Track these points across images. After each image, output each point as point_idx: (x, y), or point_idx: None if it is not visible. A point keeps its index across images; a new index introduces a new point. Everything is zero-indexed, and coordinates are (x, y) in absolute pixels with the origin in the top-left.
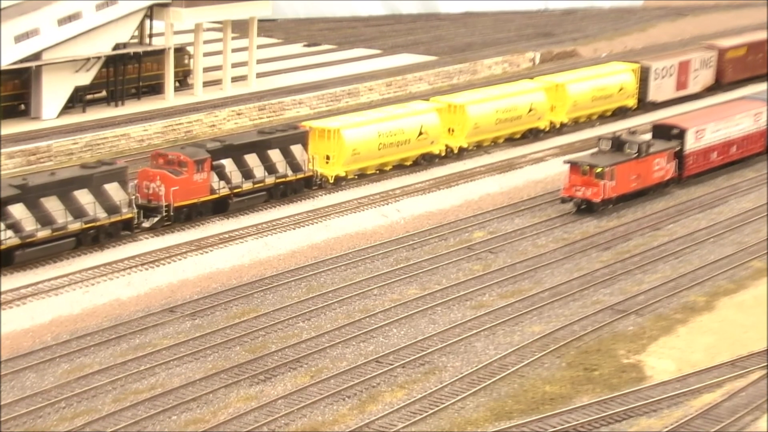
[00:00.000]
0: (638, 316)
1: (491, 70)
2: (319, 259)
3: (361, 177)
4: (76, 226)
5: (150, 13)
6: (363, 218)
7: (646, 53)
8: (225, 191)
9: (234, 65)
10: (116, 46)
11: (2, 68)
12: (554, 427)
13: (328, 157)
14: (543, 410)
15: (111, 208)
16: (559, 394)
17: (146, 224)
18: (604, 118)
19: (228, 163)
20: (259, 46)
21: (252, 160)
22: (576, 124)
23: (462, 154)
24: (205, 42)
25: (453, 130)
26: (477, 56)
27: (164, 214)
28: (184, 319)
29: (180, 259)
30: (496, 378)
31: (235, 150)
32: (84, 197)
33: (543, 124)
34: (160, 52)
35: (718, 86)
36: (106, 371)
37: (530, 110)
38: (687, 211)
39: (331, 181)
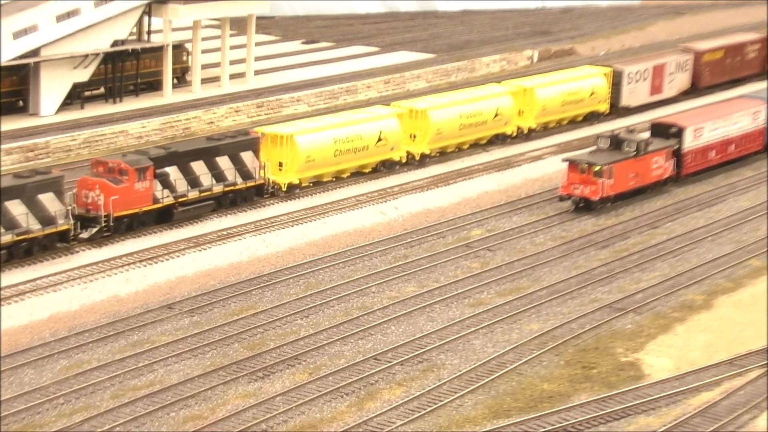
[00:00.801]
0: (636, 314)
1: (489, 68)
2: (318, 257)
3: (317, 185)
4: (7, 238)
5: (148, 9)
6: (361, 216)
7: (644, 51)
8: (169, 200)
9: (232, 62)
10: (114, 43)
11: (1, 65)
12: (552, 425)
13: (281, 164)
14: (541, 408)
15: (46, 220)
16: (557, 392)
17: (84, 235)
18: (575, 123)
19: (173, 171)
20: (257, 44)
21: (199, 167)
22: (545, 130)
23: (424, 161)
24: (203, 39)
25: (415, 136)
26: (475, 54)
27: (103, 224)
28: (182, 316)
29: (178, 256)
30: (495, 376)
31: (181, 157)
32: (16, 208)
33: (510, 130)
34: (159, 49)
35: (694, 90)
36: (105, 368)
37: (496, 115)
38: (685, 209)
39: (284, 189)
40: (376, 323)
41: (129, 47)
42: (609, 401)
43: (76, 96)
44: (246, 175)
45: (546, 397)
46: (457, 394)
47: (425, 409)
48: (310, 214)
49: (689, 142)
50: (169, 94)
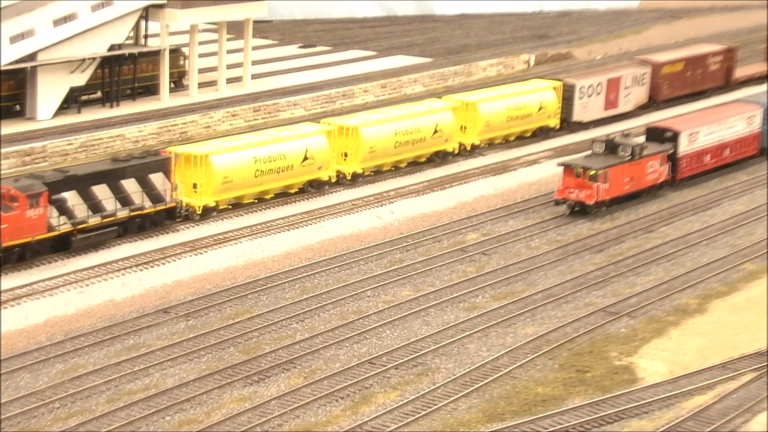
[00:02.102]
0: (630, 318)
1: (486, 72)
2: (313, 261)
3: (237, 206)
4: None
5: (145, 14)
6: (357, 220)
7: (640, 54)
8: (66, 228)
9: (229, 66)
10: (111, 47)
11: None
12: (546, 429)
13: (195, 186)
14: (535, 412)
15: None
16: (551, 396)
17: None
18: (523, 138)
19: (71, 196)
20: (255, 48)
21: (101, 191)
22: (490, 146)
23: (357, 180)
24: (201, 43)
25: (347, 155)
26: (472, 58)
27: None
28: (178, 320)
29: (174, 260)
30: (489, 379)
31: (80, 181)
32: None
33: (451, 147)
34: (156, 53)
35: (653, 104)
36: (101, 372)
37: (436, 132)
38: (680, 213)
39: (199, 212)
40: (372, 327)
41: (126, 51)
42: (602, 405)
43: (73, 100)
44: (156, 198)
45: (540, 401)
46: (452, 398)
47: (420, 413)
48: (306, 218)
49: (684, 147)
50: (166, 99)
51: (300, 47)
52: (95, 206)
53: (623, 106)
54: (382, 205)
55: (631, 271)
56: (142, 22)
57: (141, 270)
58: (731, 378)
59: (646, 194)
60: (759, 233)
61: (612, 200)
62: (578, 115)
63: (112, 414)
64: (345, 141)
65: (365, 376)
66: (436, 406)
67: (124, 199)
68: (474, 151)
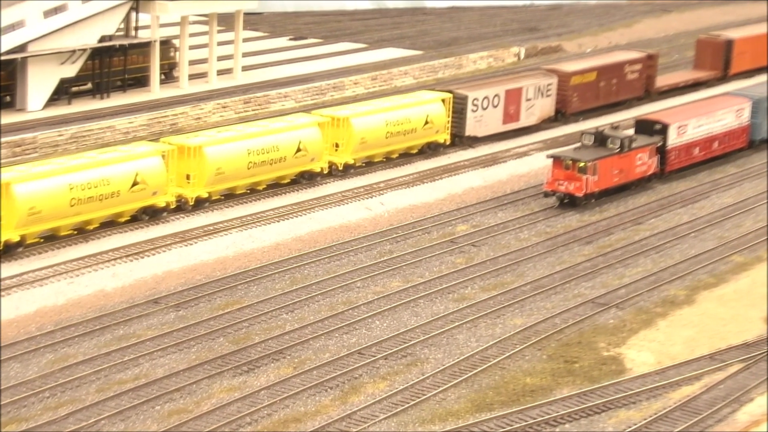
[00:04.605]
0: (619, 309)
1: (476, 65)
2: (303, 252)
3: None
4: None
5: (136, 5)
6: (347, 211)
7: (629, 48)
8: None
9: (220, 58)
10: (102, 39)
11: None
12: (534, 419)
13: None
14: (523, 402)
15: None
16: (539, 386)
17: None
18: (408, 155)
19: None
20: (245, 40)
21: None
22: (368, 165)
23: (201, 205)
24: (191, 35)
25: (190, 177)
26: (462, 51)
27: None
28: (168, 311)
29: (165, 251)
30: (478, 370)
31: None
32: None
33: (319, 167)
34: (146, 45)
35: (562, 117)
36: (90, 361)
37: (298, 150)
38: (669, 205)
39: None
40: (361, 318)
41: (116, 43)
42: (591, 395)
43: (63, 91)
44: None
45: (528, 391)
46: (441, 388)
47: (408, 403)
48: (296, 210)
49: (673, 139)
50: (156, 90)
51: (291, 39)
52: None
53: (526, 120)
54: (372, 197)
55: (619, 263)
56: (133, 14)
57: (131, 260)
58: (719, 369)
59: (635, 186)
60: (747, 225)
61: (601, 192)
62: (472, 129)
63: (101, 403)
64: (188, 163)
65: (354, 366)
66: (424, 396)
67: None
68: (348, 170)
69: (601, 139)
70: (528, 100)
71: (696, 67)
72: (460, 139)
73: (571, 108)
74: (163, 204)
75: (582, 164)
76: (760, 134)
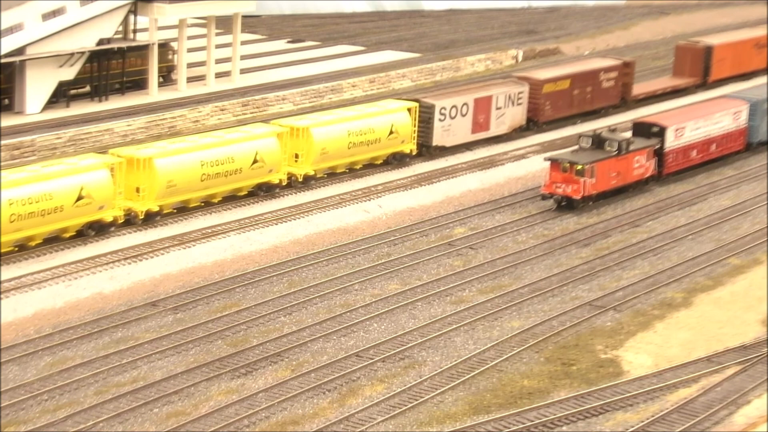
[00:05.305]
0: (616, 311)
1: (474, 68)
2: (301, 254)
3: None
4: None
5: (134, 8)
6: (345, 214)
7: (628, 51)
8: None
9: (218, 61)
10: (100, 42)
11: None
12: (532, 421)
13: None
14: (521, 404)
15: None
16: (537, 389)
17: None
18: (373, 166)
19: None
20: (243, 42)
21: None
22: (330, 176)
23: (153, 219)
24: (189, 38)
25: (140, 190)
26: (460, 53)
27: None
28: (166, 313)
29: (163, 254)
30: (475, 372)
31: None
32: None
33: (277, 178)
34: (144, 48)
35: (534, 126)
36: (89, 364)
37: (255, 161)
38: (666, 208)
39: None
40: (359, 320)
41: (114, 46)
42: (588, 397)
43: (61, 94)
44: None
45: (526, 394)
46: (438, 391)
47: (406, 405)
48: (295, 212)
49: (671, 142)
50: (154, 93)
51: (289, 42)
52: None
53: (496, 129)
54: (369, 200)
55: (617, 266)
56: (131, 17)
57: (129, 263)
58: (716, 371)
59: (633, 189)
60: (744, 228)
61: (598, 195)
62: (439, 139)
63: (100, 406)
64: (137, 175)
65: (352, 368)
66: (422, 399)
67: None
68: (308, 182)
69: (598, 141)
70: (498, 108)
71: (675, 74)
72: (427, 149)
73: (544, 117)
74: (111, 219)
75: (579, 167)
76: (758, 137)
